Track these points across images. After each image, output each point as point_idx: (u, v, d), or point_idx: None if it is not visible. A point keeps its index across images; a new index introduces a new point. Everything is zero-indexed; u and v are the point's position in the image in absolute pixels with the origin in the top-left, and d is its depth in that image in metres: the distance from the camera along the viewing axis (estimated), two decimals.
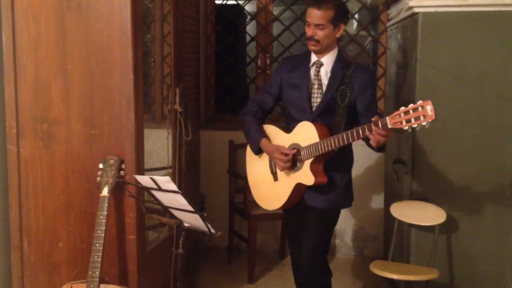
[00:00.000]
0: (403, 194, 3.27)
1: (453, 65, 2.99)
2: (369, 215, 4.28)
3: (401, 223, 3.11)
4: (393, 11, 3.71)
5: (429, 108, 2.04)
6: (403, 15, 3.30)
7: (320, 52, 2.57)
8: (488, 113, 2.99)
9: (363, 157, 4.18)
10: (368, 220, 4.29)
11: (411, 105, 2.09)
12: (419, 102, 2.07)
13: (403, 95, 3.38)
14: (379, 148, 2.40)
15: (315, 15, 2.48)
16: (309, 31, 2.52)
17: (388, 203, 3.62)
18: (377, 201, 4.23)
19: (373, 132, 2.21)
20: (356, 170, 4.13)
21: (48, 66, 2.51)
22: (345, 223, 4.32)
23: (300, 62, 2.64)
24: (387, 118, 2.16)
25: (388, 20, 3.97)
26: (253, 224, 3.79)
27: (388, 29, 3.95)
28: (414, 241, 3.10)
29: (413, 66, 3.07)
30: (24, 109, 2.54)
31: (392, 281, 2.97)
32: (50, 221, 2.57)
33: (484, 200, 3.02)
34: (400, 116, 2.12)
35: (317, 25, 2.48)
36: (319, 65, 2.57)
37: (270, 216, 3.66)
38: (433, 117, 2.04)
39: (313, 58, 2.60)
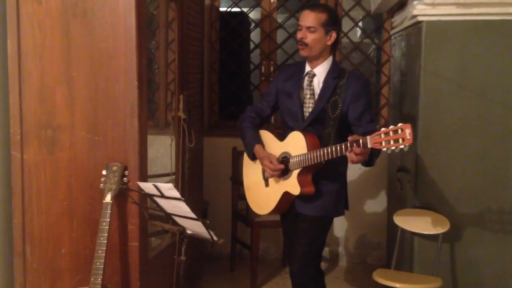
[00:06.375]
0: (406, 202, 3.26)
1: (457, 73, 3.00)
2: (372, 223, 4.26)
3: (404, 231, 3.10)
4: (397, 19, 3.72)
5: (407, 131, 2.03)
6: (407, 23, 3.31)
7: (312, 60, 2.58)
8: (492, 122, 2.99)
9: None
10: (371, 228, 4.27)
11: (391, 127, 2.08)
12: (399, 125, 2.06)
13: (406, 103, 3.38)
14: (366, 163, 2.39)
15: (307, 16, 2.52)
16: (299, 34, 2.54)
17: (391, 211, 3.62)
18: (380, 209, 4.22)
19: (349, 151, 2.21)
20: (359, 177, 4.17)
21: (52, 72, 2.52)
22: (348, 230, 4.30)
23: (295, 71, 2.65)
24: (368, 137, 2.14)
25: (392, 28, 3.98)
26: (256, 231, 3.78)
27: (392, 37, 3.96)
28: (417, 250, 3.09)
29: (416, 74, 3.07)
30: (29, 115, 2.55)
31: None
32: (53, 227, 2.58)
33: (487, 208, 3.01)
34: (380, 136, 2.11)
35: (308, 28, 2.51)
36: (312, 75, 2.58)
37: (273, 223, 3.65)
38: (411, 141, 2.03)
39: (307, 68, 2.61)
